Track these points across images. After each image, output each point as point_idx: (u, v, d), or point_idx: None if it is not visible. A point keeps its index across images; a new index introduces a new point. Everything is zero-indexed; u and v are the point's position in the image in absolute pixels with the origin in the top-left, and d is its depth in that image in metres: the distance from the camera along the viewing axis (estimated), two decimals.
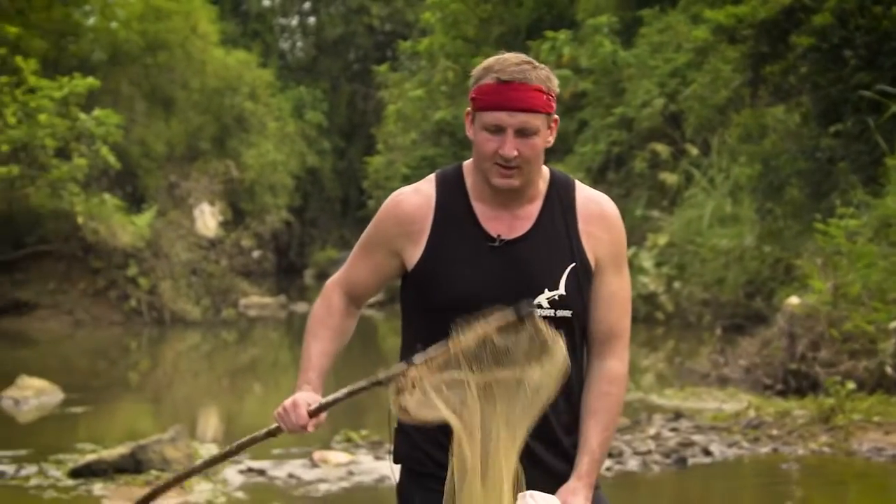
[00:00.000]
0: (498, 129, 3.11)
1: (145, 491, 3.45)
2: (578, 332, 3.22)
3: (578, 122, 25.27)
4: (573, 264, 3.17)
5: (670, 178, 22.57)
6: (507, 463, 2.98)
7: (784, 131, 19.75)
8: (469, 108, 3.20)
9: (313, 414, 3.17)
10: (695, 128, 22.79)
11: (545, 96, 3.12)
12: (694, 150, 22.46)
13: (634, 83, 24.18)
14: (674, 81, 23.59)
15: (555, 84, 3.16)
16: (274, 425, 3.24)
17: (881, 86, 16.74)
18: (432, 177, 3.28)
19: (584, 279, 3.19)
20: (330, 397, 3.18)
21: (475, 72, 3.18)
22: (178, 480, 3.46)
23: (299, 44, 45.63)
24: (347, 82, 42.87)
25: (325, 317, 3.33)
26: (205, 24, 29.87)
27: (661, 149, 23.09)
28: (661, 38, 24.54)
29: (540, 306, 3.13)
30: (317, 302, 3.37)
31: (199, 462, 3.45)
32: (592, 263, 3.20)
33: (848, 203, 15.31)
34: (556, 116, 3.18)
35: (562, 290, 3.16)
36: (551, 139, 3.18)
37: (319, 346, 3.30)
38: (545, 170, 3.25)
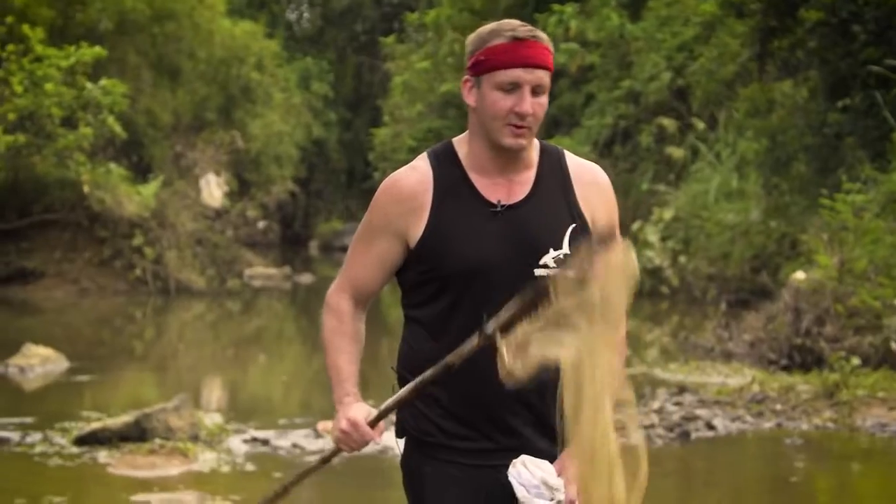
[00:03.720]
0: (514, 87, 3.12)
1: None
2: None
3: (585, 95, 25.23)
4: (573, 224, 3.20)
5: (677, 152, 22.54)
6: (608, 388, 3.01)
7: (791, 106, 19.71)
8: (467, 77, 3.19)
9: (373, 424, 3.15)
10: (702, 102, 22.75)
11: (551, 56, 3.17)
12: (700, 125, 22.42)
13: (642, 57, 24.12)
14: (681, 55, 23.53)
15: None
16: (331, 449, 3.22)
17: (890, 61, 16.68)
18: (424, 155, 3.28)
19: (584, 239, 3.20)
20: (389, 401, 3.14)
21: (475, 38, 3.18)
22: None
23: (306, 14, 45.54)
24: (354, 54, 42.78)
25: (338, 325, 3.29)
26: None
27: (668, 123, 23.05)
28: (668, 12, 24.46)
29: (546, 266, 3.16)
30: (324, 315, 3.31)
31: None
32: (591, 225, 3.23)
33: (855, 178, 15.27)
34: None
35: (566, 250, 3.18)
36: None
37: (345, 356, 3.26)
38: (535, 140, 3.28)
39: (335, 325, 3.28)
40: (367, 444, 3.16)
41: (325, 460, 3.25)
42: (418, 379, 3.09)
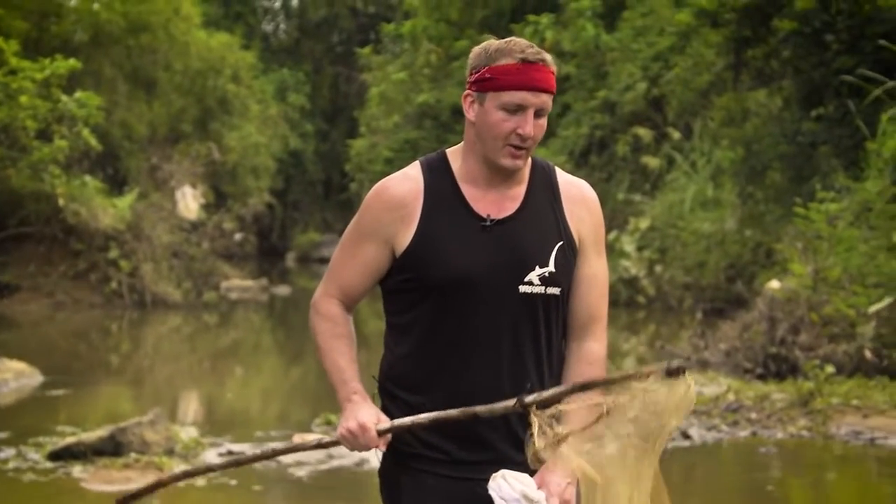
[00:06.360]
0: (519, 109, 3.13)
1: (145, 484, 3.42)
2: (563, 310, 3.25)
3: (561, 105, 25.28)
4: (560, 242, 3.22)
5: (652, 161, 22.61)
6: None
7: (766, 115, 19.79)
8: (469, 91, 3.19)
9: (382, 434, 3.14)
10: (677, 112, 22.83)
11: (555, 79, 3.19)
12: (676, 134, 22.49)
13: (617, 67, 24.19)
14: (656, 65, 23.61)
15: None
16: (331, 440, 3.21)
17: (863, 70, 16.76)
18: (416, 163, 3.29)
19: (570, 257, 3.23)
20: (407, 420, 3.12)
21: (481, 54, 3.17)
22: (189, 476, 3.44)
23: (282, 26, 45.54)
24: (330, 65, 42.78)
25: (332, 327, 3.29)
26: (187, 5, 29.72)
27: (644, 132, 23.12)
28: (644, 22, 24.55)
29: (531, 283, 3.17)
30: (315, 321, 3.30)
31: (216, 462, 3.40)
32: (577, 243, 3.25)
33: (829, 187, 15.34)
34: None
35: (552, 268, 3.19)
36: None
37: (345, 356, 3.26)
38: None
39: (329, 327, 3.28)
40: (369, 449, 3.15)
41: (321, 446, 3.23)
42: (442, 413, 3.07)
